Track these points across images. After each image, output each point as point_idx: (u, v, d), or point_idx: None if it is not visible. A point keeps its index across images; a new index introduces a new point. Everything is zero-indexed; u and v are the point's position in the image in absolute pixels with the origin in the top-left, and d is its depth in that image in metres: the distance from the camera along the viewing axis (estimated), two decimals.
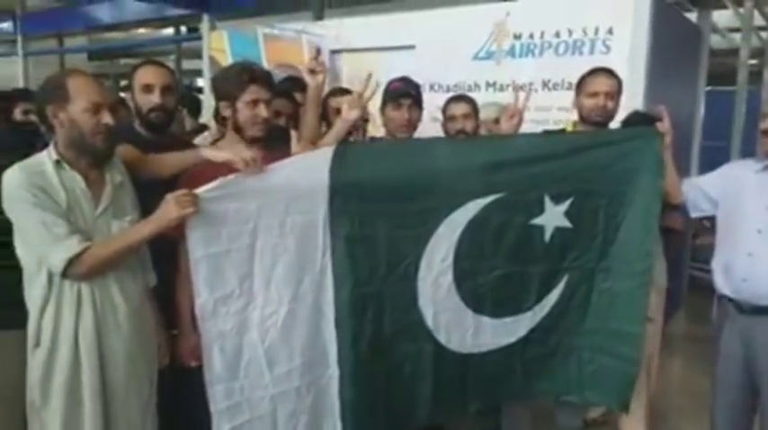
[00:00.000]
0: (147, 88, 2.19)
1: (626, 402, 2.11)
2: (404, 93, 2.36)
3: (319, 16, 5.39)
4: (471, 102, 2.64)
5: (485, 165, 1.98)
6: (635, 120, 2.54)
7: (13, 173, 1.68)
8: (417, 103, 2.39)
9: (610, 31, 3.43)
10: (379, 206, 1.94)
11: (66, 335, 1.73)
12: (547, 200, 2.01)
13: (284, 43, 4.85)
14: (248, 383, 1.90)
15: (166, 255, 1.94)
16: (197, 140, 2.85)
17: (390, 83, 2.41)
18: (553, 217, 2.02)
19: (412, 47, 3.98)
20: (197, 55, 7.63)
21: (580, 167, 2.00)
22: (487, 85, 3.79)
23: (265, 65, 4.56)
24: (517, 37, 3.72)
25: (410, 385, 2.06)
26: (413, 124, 2.38)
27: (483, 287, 2.05)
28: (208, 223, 1.78)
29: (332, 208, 1.90)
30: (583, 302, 2.09)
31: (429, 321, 2.03)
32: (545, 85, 3.63)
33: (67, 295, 1.73)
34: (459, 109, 2.59)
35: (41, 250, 1.68)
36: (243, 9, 5.57)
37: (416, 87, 2.43)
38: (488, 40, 3.79)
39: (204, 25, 5.27)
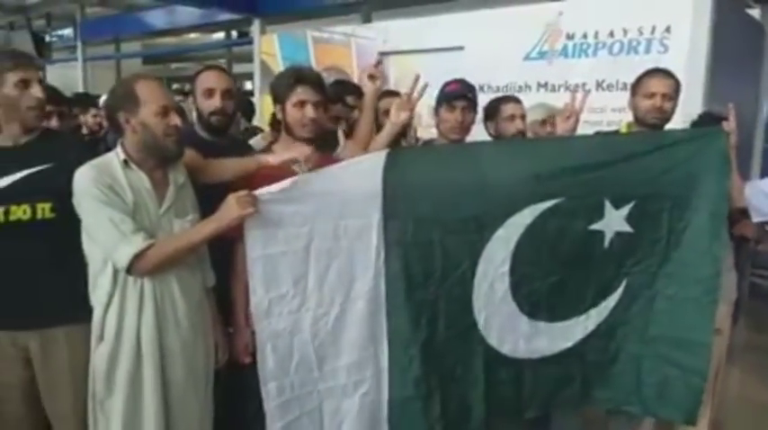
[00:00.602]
0: (209, 92, 2.24)
1: (692, 416, 2.03)
2: (458, 94, 2.34)
3: (367, 19, 5.42)
4: (520, 101, 2.62)
5: (542, 169, 1.95)
6: (705, 120, 2.46)
7: (85, 170, 1.75)
8: (472, 105, 2.37)
9: (667, 30, 3.34)
10: (434, 211, 1.94)
11: (129, 330, 1.79)
12: (607, 204, 1.96)
13: (333, 46, 4.91)
14: (298, 380, 1.94)
15: (224, 254, 1.99)
16: (251, 142, 2.90)
17: (446, 84, 2.40)
18: (613, 222, 1.97)
19: (461, 48, 3.96)
20: (246, 59, 7.81)
21: (642, 170, 1.94)
22: (539, 85, 3.74)
23: (314, 67, 4.62)
24: (570, 37, 3.66)
25: (462, 389, 2.05)
26: (466, 127, 2.36)
27: (539, 293, 2.02)
28: (265, 224, 1.82)
29: (385, 212, 1.91)
30: (644, 309, 2.02)
31: (482, 327, 2.02)
32: (599, 85, 3.56)
33: (131, 291, 1.78)
34: (518, 109, 2.56)
35: (108, 246, 1.73)
36: (292, 13, 5.65)
37: (472, 89, 2.40)
38: (540, 41, 3.74)
39: (255, 29, 5.37)
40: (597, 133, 2.72)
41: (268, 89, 5.27)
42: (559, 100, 3.29)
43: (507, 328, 2.03)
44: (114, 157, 1.81)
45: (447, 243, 1.95)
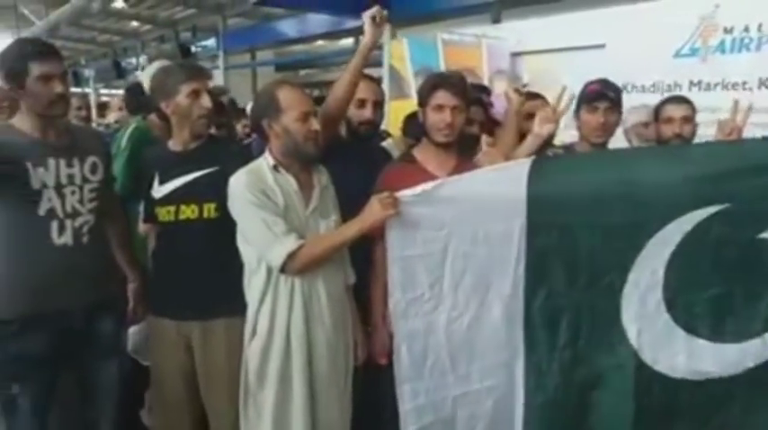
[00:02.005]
0: (361, 102, 2.28)
1: None
2: (600, 95, 2.21)
3: (497, 19, 5.31)
4: (691, 104, 2.42)
5: (704, 174, 1.78)
6: None
7: (239, 176, 1.86)
8: (615, 105, 2.23)
9: None
10: (581, 218, 1.85)
11: (280, 327, 1.87)
12: None
13: (462, 48, 4.87)
14: (433, 384, 1.94)
15: (363, 254, 2.03)
16: (384, 144, 2.94)
17: (587, 85, 2.28)
18: None
19: (601, 46, 3.76)
20: (372, 63, 7.98)
21: None
22: (691, 84, 3.45)
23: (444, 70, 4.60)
24: (728, 31, 3.33)
25: (608, 402, 1.94)
26: (609, 128, 2.22)
27: (698, 307, 1.85)
28: (405, 226, 1.84)
29: (529, 219, 1.85)
30: None
31: (633, 339, 1.89)
32: (762, 83, 3.21)
33: (282, 289, 1.87)
34: (679, 111, 2.38)
35: (262, 247, 1.83)
36: (421, 16, 5.67)
37: (616, 90, 2.27)
38: (693, 36, 3.45)
39: (385, 34, 5.45)
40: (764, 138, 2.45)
41: (397, 94, 5.37)
42: (714, 99, 3.03)
43: (662, 343, 1.88)
44: (264, 162, 1.90)
45: (594, 251, 1.85)
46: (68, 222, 1.92)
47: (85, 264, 1.96)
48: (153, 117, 2.66)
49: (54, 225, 1.90)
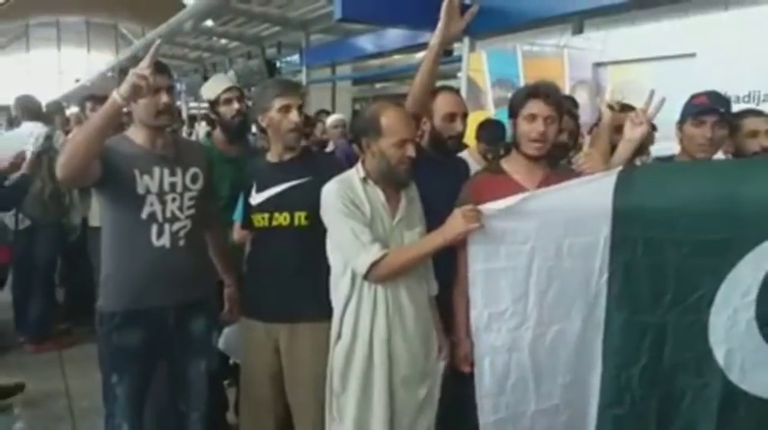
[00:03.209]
0: (451, 117, 2.30)
1: None
2: (708, 109, 2.13)
3: (579, 30, 5.22)
4: (765, 115, 2.31)
5: None
6: None
7: (331, 186, 1.95)
8: (724, 120, 2.14)
9: None
10: (669, 233, 1.80)
11: (363, 332, 1.94)
12: None
13: (543, 59, 4.82)
14: (514, 400, 1.94)
15: (447, 264, 2.05)
16: (461, 155, 2.96)
17: (693, 97, 2.20)
18: None
19: (692, 55, 3.62)
20: (448, 75, 8.02)
21: None
22: None
23: (522, 83, 4.58)
24: None
25: (688, 420, 1.88)
26: (716, 144, 2.14)
27: None
28: (488, 239, 1.86)
29: (614, 232, 1.83)
30: None
31: (720, 359, 1.82)
32: None
33: (366, 295, 1.94)
34: (762, 124, 2.27)
35: (349, 254, 1.91)
36: (501, 28, 5.66)
37: (726, 104, 2.18)
38: None
39: (464, 47, 5.48)
40: None
41: (474, 106, 5.36)
42: None
43: (753, 363, 1.81)
44: (355, 174, 1.99)
45: (683, 267, 1.80)
46: (167, 226, 2.08)
47: (180, 265, 2.11)
48: (217, 133, 2.80)
49: (154, 228, 2.06)
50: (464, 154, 3.26)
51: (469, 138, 3.42)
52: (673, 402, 1.88)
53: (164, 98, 2.01)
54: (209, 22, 10.24)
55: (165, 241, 2.08)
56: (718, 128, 2.12)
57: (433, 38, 2.12)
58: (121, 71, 1.93)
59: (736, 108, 2.41)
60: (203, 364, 2.27)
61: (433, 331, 2.07)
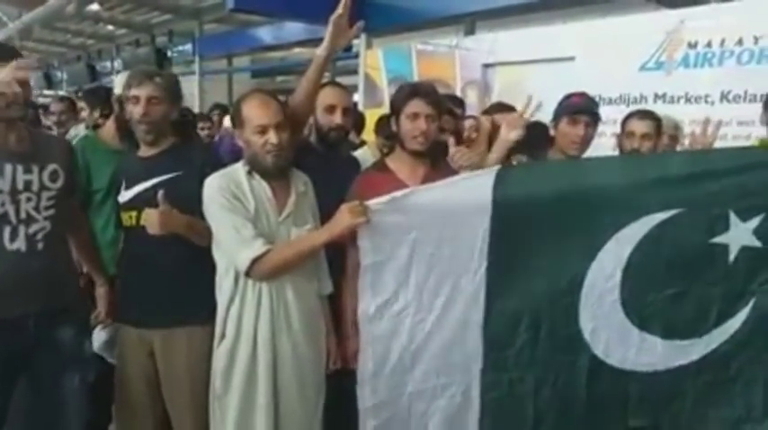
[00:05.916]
0: (331, 109, 2.27)
1: None
2: (582, 109, 2.25)
3: (471, 31, 5.39)
4: (657, 120, 2.48)
5: (661, 179, 1.85)
6: None
7: (213, 180, 1.87)
8: (595, 121, 2.28)
9: None
10: (543, 223, 1.90)
11: (246, 331, 1.87)
12: (732, 216, 1.82)
13: (436, 59, 4.93)
14: (392, 382, 1.97)
15: (337, 262, 2.04)
16: (357, 154, 2.97)
17: (567, 97, 2.32)
18: (740, 235, 1.83)
19: (571, 58, 3.84)
20: (348, 72, 8.02)
21: None
22: (656, 97, 3.55)
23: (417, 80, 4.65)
24: (692, 46, 3.44)
25: (562, 396, 1.99)
26: (586, 142, 2.27)
27: (652, 306, 1.91)
28: (375, 234, 1.87)
29: (493, 224, 1.90)
30: None
31: (587, 335, 1.95)
32: (724, 97, 3.32)
33: (250, 294, 1.87)
34: (640, 127, 2.44)
35: (230, 250, 1.83)
36: (397, 26, 5.72)
37: (596, 105, 2.32)
38: (658, 50, 3.55)
39: (361, 44, 5.49)
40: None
41: (371, 103, 5.40)
42: (678, 112, 3.12)
43: (616, 340, 1.94)
44: (241, 167, 1.92)
45: (555, 254, 1.90)
46: (22, 228, 1.88)
47: (40, 270, 1.91)
48: (109, 124, 2.61)
49: (6, 230, 1.86)
50: (363, 151, 3.29)
51: (370, 135, 3.45)
52: (548, 381, 1.98)
53: (14, 87, 1.81)
54: (94, 6, 9.58)
55: (21, 244, 1.88)
56: (590, 127, 2.25)
57: (320, 49, 2.08)
58: None
59: (608, 110, 2.59)
60: (77, 378, 2.05)
61: (323, 332, 2.04)
